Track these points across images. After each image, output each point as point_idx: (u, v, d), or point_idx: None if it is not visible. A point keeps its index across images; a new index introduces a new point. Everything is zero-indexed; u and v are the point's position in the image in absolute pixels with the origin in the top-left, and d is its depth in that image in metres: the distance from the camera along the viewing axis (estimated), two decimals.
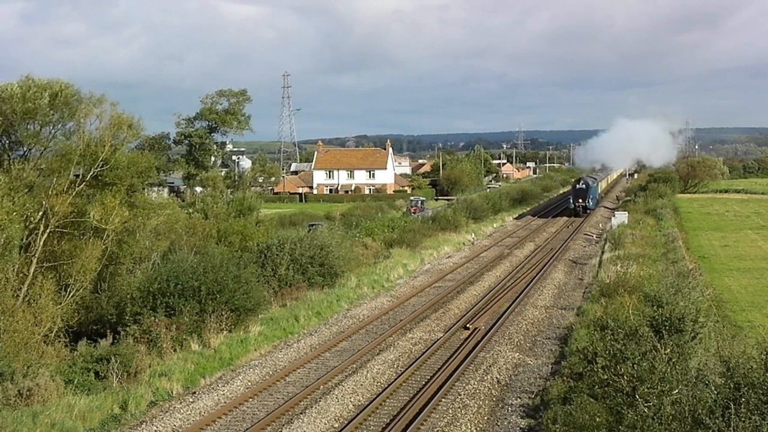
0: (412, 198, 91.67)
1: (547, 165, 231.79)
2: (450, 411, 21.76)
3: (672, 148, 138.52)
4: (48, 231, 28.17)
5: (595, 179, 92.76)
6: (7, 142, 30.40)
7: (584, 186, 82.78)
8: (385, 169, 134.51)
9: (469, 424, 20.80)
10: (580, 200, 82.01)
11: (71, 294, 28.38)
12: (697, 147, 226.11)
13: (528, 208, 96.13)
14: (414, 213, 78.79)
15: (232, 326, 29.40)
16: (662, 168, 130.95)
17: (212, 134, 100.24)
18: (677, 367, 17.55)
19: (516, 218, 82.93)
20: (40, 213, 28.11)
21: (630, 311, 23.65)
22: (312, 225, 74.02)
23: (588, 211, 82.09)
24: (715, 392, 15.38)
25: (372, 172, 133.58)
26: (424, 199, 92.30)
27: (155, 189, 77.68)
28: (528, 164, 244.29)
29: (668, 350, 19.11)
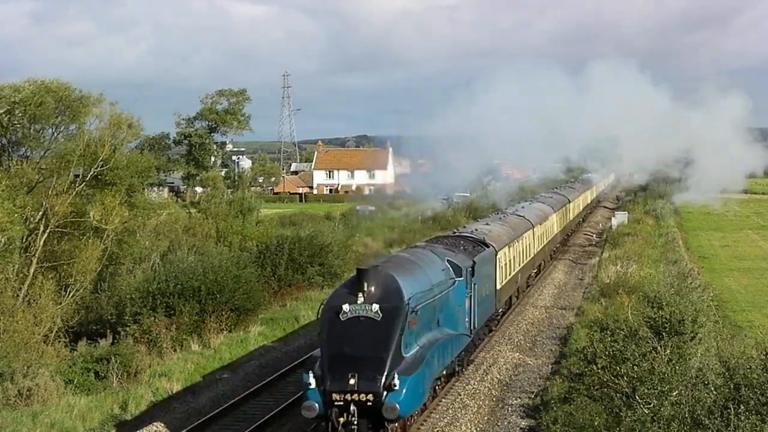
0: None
1: None
2: (450, 411, 21.73)
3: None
4: (48, 231, 28.19)
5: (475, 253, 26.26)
6: (7, 142, 30.42)
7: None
8: (386, 169, 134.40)
9: (469, 424, 20.78)
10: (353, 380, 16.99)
11: (71, 294, 28.39)
12: None
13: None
14: None
15: (232, 326, 29.39)
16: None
17: (212, 134, 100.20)
18: (677, 368, 17.53)
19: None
20: (40, 213, 28.12)
21: (630, 312, 23.63)
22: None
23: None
24: (715, 393, 15.38)
25: (372, 173, 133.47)
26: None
27: (155, 189, 77.63)
28: None
29: (668, 351, 19.09)
